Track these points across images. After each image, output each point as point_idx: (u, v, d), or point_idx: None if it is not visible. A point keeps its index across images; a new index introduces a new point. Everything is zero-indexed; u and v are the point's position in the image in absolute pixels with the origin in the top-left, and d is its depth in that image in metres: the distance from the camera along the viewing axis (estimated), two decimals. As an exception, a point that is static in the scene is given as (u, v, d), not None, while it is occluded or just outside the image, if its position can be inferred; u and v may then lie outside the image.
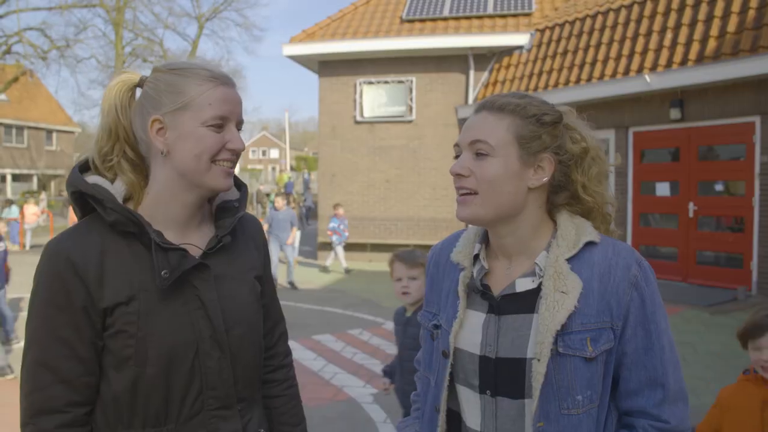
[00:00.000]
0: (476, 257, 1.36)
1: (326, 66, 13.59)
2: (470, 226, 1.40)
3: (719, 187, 9.08)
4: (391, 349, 6.45)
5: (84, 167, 1.27)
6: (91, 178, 1.23)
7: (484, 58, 12.73)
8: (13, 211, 17.78)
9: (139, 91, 1.27)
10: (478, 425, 1.30)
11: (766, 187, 8.09)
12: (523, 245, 1.31)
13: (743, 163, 8.48)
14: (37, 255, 1.26)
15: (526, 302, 1.25)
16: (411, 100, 13.11)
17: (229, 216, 1.32)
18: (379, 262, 13.31)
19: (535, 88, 11.38)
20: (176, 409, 1.21)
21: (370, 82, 13.32)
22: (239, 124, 1.26)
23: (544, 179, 1.27)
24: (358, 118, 13.40)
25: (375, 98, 13.37)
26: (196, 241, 1.28)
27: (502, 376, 1.25)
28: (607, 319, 1.21)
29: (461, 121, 12.84)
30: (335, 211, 11.98)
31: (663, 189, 9.73)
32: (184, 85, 1.21)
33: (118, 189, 1.24)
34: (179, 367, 1.20)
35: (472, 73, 12.72)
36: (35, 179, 35.66)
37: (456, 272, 1.38)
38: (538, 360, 1.18)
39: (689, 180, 9.27)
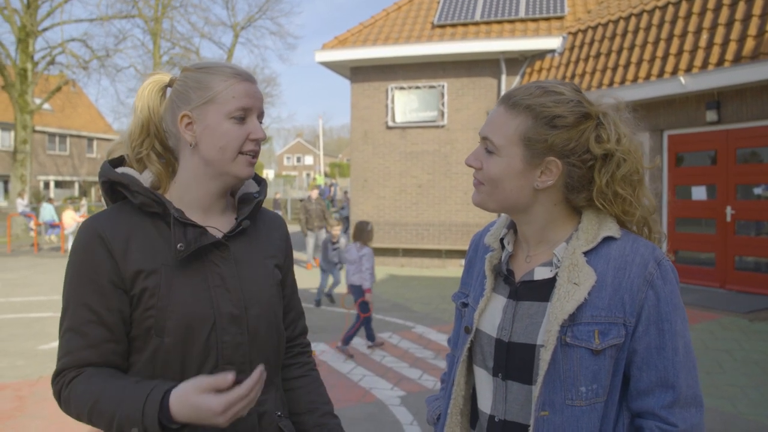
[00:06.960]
0: (502, 241, 1.39)
1: (358, 72, 13.71)
2: None
3: (759, 190, 8.84)
4: (420, 353, 6.45)
5: (115, 163, 1.38)
6: (120, 169, 1.35)
7: (516, 62, 12.67)
8: (48, 210, 18.79)
9: (169, 91, 1.38)
10: (489, 408, 1.32)
11: (807, 191, 7.87)
12: (542, 236, 1.32)
13: (784, 165, 8.27)
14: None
15: (543, 291, 1.27)
16: (442, 105, 13.12)
17: (249, 205, 1.42)
18: (411, 267, 13.33)
19: (568, 92, 11.23)
20: None
21: (402, 88, 13.37)
22: (261, 117, 1.36)
23: (549, 183, 1.25)
24: (390, 124, 13.45)
25: (406, 103, 13.41)
26: (218, 225, 1.37)
27: (513, 361, 1.27)
28: (619, 315, 1.19)
29: (493, 126, 12.77)
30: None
31: (699, 193, 9.51)
32: (210, 81, 1.31)
33: (145, 178, 1.35)
34: (195, 340, 1.26)
35: (504, 77, 12.66)
36: (77, 186, 36.71)
37: (487, 254, 1.41)
38: (545, 347, 1.19)
39: (727, 183, 9.07)
